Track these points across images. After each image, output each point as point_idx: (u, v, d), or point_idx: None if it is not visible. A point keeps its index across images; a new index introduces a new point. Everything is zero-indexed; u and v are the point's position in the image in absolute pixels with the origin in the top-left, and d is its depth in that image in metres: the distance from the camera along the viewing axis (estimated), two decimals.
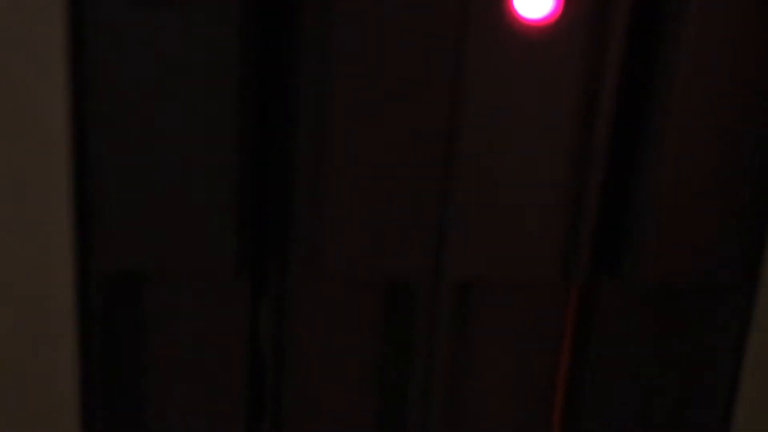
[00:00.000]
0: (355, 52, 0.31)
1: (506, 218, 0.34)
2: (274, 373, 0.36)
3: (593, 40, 0.32)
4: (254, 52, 0.31)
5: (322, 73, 0.31)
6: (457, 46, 0.32)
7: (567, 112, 0.33)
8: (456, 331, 0.36)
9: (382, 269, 0.34)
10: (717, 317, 0.38)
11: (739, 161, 0.34)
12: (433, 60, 0.32)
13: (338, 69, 0.31)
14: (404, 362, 0.37)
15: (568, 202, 0.34)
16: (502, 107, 0.33)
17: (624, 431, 0.39)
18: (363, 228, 0.34)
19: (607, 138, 0.33)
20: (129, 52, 0.30)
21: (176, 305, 0.34)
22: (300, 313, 0.36)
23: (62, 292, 0.31)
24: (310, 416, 0.37)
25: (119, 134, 0.31)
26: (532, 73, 0.32)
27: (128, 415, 0.36)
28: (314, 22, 0.31)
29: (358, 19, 0.31)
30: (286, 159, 0.32)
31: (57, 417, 0.32)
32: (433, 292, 0.35)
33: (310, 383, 0.37)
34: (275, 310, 0.35)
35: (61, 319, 0.31)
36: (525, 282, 0.36)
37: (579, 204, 0.34)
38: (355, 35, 0.31)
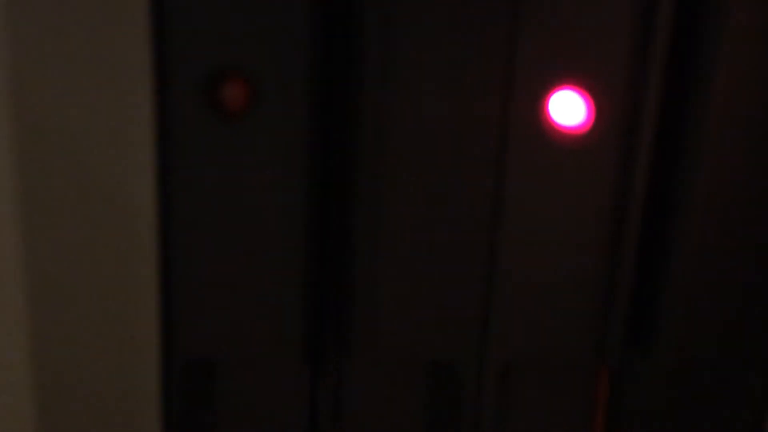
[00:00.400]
0: (407, 152, 0.35)
1: (545, 305, 0.37)
2: None
3: (624, 142, 0.35)
4: (320, 165, 0.34)
5: (378, 175, 0.35)
6: (497, 151, 0.35)
7: (600, 208, 0.36)
8: (498, 408, 0.39)
9: (432, 351, 0.37)
10: (742, 390, 0.40)
11: (761, 246, 0.37)
12: (475, 163, 0.35)
13: (391, 172, 0.35)
14: None
15: (602, 289, 0.37)
16: (540, 202, 0.36)
17: None
18: (415, 312, 0.37)
19: (638, 229, 0.36)
20: (208, 163, 0.34)
21: (242, 387, 0.38)
22: (355, 391, 0.39)
23: (147, 379, 0.34)
24: None
25: (200, 241, 0.34)
26: (568, 174, 0.36)
27: None
28: (370, 129, 0.34)
29: (409, 129, 0.34)
30: (345, 256, 0.36)
31: None
32: (478, 373, 0.38)
33: None
34: (333, 389, 0.38)
35: (147, 400, 0.34)
36: (563, 363, 0.39)
37: (613, 290, 0.37)
38: (406, 140, 0.35)
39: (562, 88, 0.35)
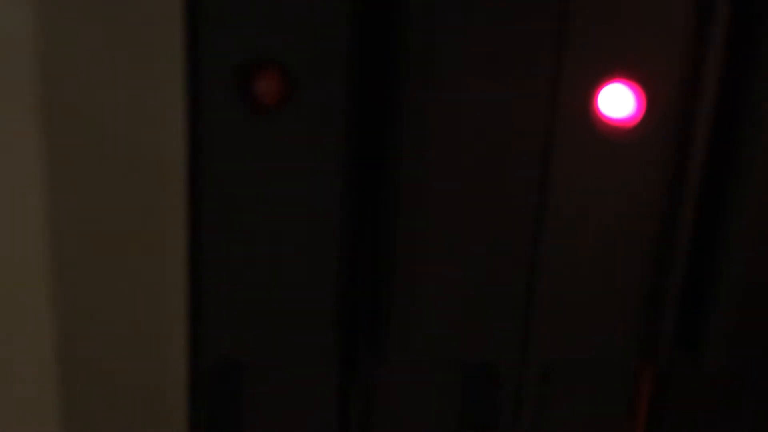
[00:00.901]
0: (450, 148, 0.33)
1: (589, 305, 0.36)
2: None
3: (676, 138, 0.34)
4: (357, 161, 0.33)
5: (418, 171, 0.33)
6: (545, 146, 0.34)
7: (650, 205, 0.35)
8: (538, 411, 0.38)
9: (471, 352, 0.36)
10: None
11: None
12: (521, 159, 0.34)
13: (434, 169, 0.33)
14: None
15: (650, 289, 0.35)
16: (587, 199, 0.34)
17: None
18: (454, 313, 0.35)
19: (689, 228, 0.35)
20: (241, 157, 0.32)
21: (272, 390, 0.36)
22: (388, 395, 0.38)
23: (176, 381, 0.33)
24: None
25: (231, 238, 0.33)
26: (617, 169, 0.34)
27: None
28: (411, 124, 0.33)
29: (453, 124, 0.33)
30: (383, 254, 0.34)
31: None
32: (519, 375, 0.37)
33: None
34: (366, 393, 0.37)
35: (175, 404, 0.33)
36: (605, 365, 0.37)
37: (662, 291, 0.35)
38: (450, 136, 0.33)
39: (611, 81, 0.33)
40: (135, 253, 0.32)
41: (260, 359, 0.35)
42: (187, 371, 0.34)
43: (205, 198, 0.33)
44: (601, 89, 0.33)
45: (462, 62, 0.32)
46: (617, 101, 0.34)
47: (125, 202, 0.31)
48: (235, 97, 0.32)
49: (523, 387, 0.37)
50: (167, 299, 0.33)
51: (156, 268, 0.32)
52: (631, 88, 0.33)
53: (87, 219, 0.31)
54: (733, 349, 0.36)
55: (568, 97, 0.33)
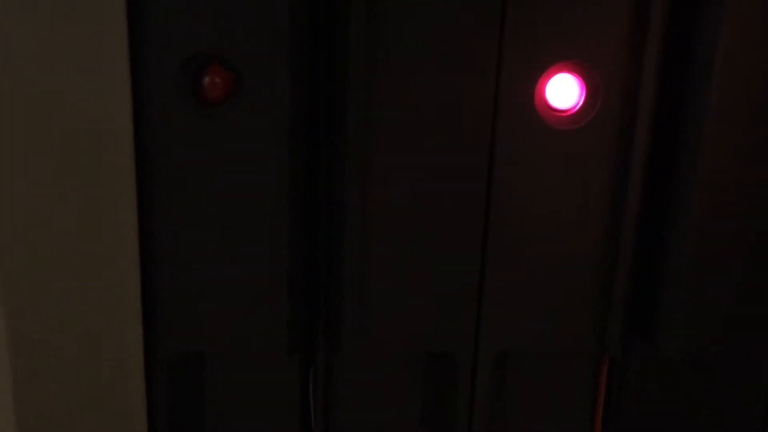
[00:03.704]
0: (396, 141, 0.34)
1: (542, 293, 0.36)
2: None
3: (621, 127, 0.34)
4: (305, 154, 0.33)
5: (365, 162, 0.34)
6: (491, 138, 0.34)
7: (598, 193, 0.35)
8: (494, 398, 0.38)
9: (426, 341, 0.36)
10: (745, 383, 0.39)
11: (765, 234, 0.36)
12: (467, 150, 0.34)
13: (381, 162, 0.34)
14: (445, 428, 0.39)
15: (601, 277, 0.36)
16: (535, 188, 0.35)
17: None
18: (408, 303, 0.36)
19: (637, 215, 0.35)
20: (189, 152, 0.33)
21: (231, 380, 0.37)
22: (346, 384, 0.38)
23: (134, 372, 0.34)
24: None
25: (182, 232, 0.33)
26: (563, 158, 0.35)
27: None
28: (356, 115, 0.33)
29: (398, 117, 0.33)
30: (334, 246, 0.35)
31: None
32: (473, 363, 0.37)
33: None
34: (324, 382, 0.38)
35: (133, 396, 0.34)
36: (561, 353, 0.38)
37: (612, 278, 0.36)
38: (395, 129, 0.34)
39: (556, 71, 0.34)
40: (88, 251, 0.33)
41: (216, 350, 0.35)
42: (145, 364, 0.34)
43: (156, 192, 0.33)
44: (544, 79, 0.34)
45: (404, 52, 0.32)
46: (562, 90, 0.34)
47: (76, 196, 0.32)
48: (181, 92, 0.32)
49: (478, 377, 0.37)
50: (121, 296, 0.33)
51: (109, 265, 0.33)
52: (575, 76, 0.34)
53: (38, 214, 0.32)
54: (686, 336, 0.36)
55: (512, 88, 0.33)
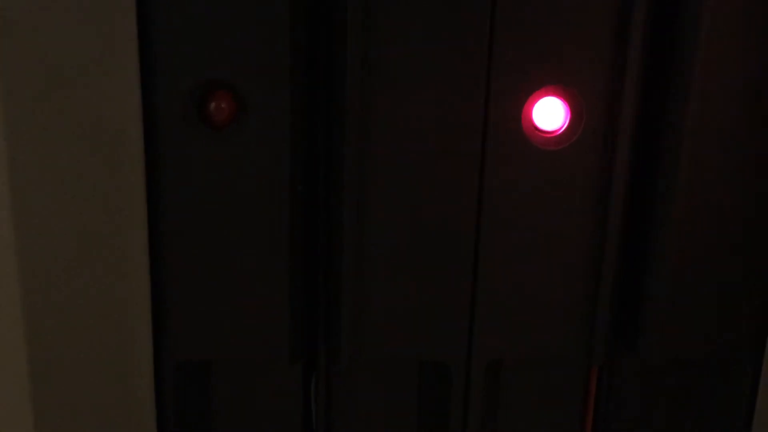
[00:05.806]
0: (391, 158, 0.36)
1: (532, 303, 0.38)
2: None
3: (605, 144, 0.36)
4: (305, 173, 0.35)
5: (362, 179, 0.36)
6: (480, 153, 0.36)
7: (583, 208, 0.37)
8: (487, 405, 0.40)
9: (420, 350, 0.38)
10: (727, 388, 0.41)
11: (741, 246, 0.38)
12: (459, 166, 0.36)
13: (377, 179, 0.36)
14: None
15: (588, 288, 0.38)
16: (523, 203, 0.37)
17: None
18: (403, 315, 0.38)
19: (621, 229, 0.37)
20: (195, 173, 0.35)
21: (237, 387, 0.39)
22: (346, 391, 0.40)
23: (142, 379, 0.36)
24: None
25: (188, 247, 0.36)
26: (550, 175, 0.37)
27: None
28: (353, 135, 0.35)
29: (394, 137, 0.35)
30: (332, 259, 0.37)
31: None
32: (467, 371, 0.39)
33: None
34: (324, 389, 0.40)
35: (143, 401, 0.36)
36: (552, 361, 0.40)
37: (598, 289, 0.38)
38: (390, 147, 0.36)
39: (542, 95, 0.36)
40: (99, 262, 0.35)
41: (223, 357, 0.37)
42: (153, 371, 0.36)
43: (165, 208, 0.35)
44: (531, 102, 0.36)
45: (397, 75, 0.34)
46: (547, 113, 0.36)
47: (87, 212, 0.34)
48: (189, 117, 0.34)
49: (471, 384, 0.39)
50: (130, 305, 0.36)
51: (119, 276, 0.35)
52: (560, 99, 0.36)
53: (53, 224, 0.34)
54: (667, 342, 0.38)
55: (500, 111, 0.35)
